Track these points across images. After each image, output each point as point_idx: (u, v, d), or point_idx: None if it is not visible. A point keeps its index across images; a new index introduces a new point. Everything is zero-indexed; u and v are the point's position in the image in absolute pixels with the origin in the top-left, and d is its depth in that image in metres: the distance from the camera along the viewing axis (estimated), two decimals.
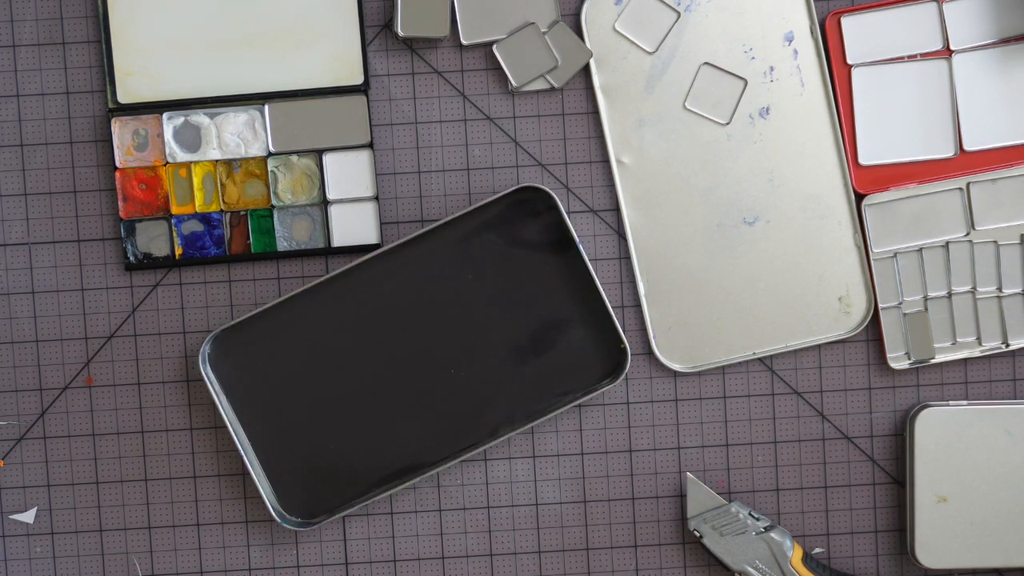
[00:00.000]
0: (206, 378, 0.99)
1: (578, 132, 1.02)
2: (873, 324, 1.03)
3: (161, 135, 1.00)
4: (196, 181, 1.01)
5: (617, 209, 1.03)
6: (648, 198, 1.02)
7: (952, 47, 1.01)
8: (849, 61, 1.01)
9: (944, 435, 1.01)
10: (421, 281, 1.00)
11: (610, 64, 1.01)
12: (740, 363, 1.03)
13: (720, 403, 1.03)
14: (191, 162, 1.01)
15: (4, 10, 1.01)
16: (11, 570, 1.03)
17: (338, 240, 1.01)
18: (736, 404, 1.03)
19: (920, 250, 1.02)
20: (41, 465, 1.03)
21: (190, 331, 1.02)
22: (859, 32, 1.01)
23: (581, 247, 0.99)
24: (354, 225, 1.01)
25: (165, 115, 1.00)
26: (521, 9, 1.01)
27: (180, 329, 1.02)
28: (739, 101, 1.01)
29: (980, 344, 1.03)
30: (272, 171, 1.01)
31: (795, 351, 1.03)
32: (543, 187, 0.99)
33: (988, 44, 1.01)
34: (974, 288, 1.02)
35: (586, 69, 1.02)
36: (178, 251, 1.01)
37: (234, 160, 1.01)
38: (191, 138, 1.01)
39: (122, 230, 1.01)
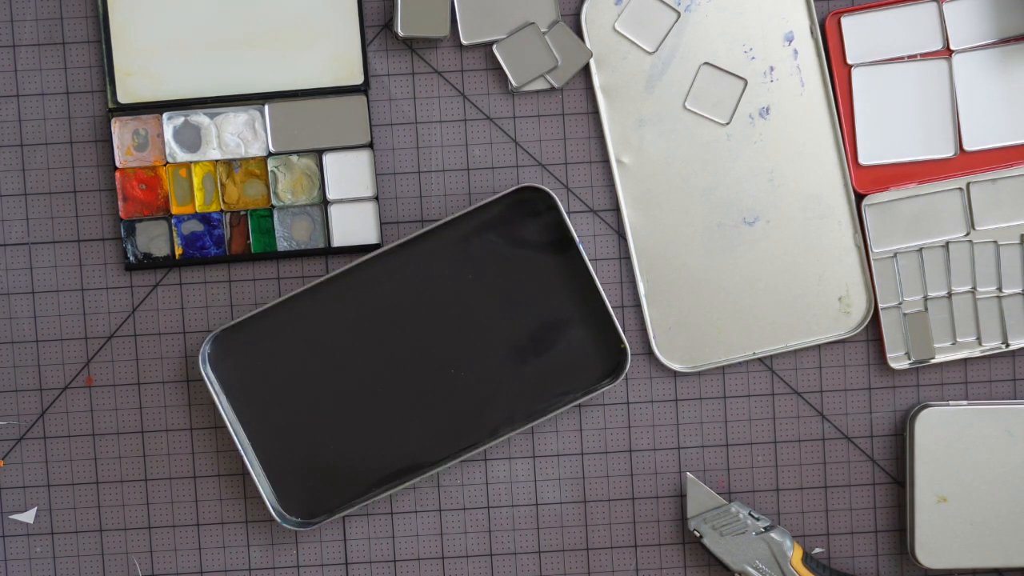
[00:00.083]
0: (206, 378, 0.99)
1: (578, 132, 1.02)
2: (873, 324, 1.03)
3: (161, 135, 1.00)
4: (196, 181, 1.01)
5: (617, 209, 1.03)
6: (648, 198, 1.02)
7: (952, 47, 1.01)
8: (849, 61, 1.01)
9: (944, 435, 1.01)
10: (421, 281, 1.00)
11: (610, 64, 1.01)
12: (740, 363, 1.03)
13: (720, 403, 1.03)
14: (191, 162, 1.01)
15: (4, 10, 1.01)
16: (11, 570, 1.03)
17: (338, 240, 1.01)
18: (736, 404, 1.03)
19: (920, 250, 1.02)
20: (41, 465, 1.03)
21: (190, 331, 1.02)
22: (859, 32, 1.01)
23: (581, 247, 0.99)
24: (354, 225, 1.01)
25: (165, 115, 1.00)
26: (521, 9, 1.01)
27: (180, 329, 1.02)
28: (739, 101, 1.01)
29: (980, 344, 1.03)
30: (272, 171, 1.01)
31: (795, 351, 1.03)
32: (543, 187, 0.99)
33: (988, 44, 1.01)
34: (974, 288, 1.02)
35: (586, 69, 1.02)
36: (178, 251, 1.01)
37: (234, 160, 1.01)
38: (191, 138, 1.01)
39: (122, 230, 1.01)
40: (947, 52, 1.01)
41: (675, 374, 1.03)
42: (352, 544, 1.04)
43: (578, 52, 1.01)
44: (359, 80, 1.01)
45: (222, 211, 1.01)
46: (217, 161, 1.01)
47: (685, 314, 1.02)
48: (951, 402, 1.02)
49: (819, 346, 1.03)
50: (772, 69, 1.01)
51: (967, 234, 1.02)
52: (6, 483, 1.03)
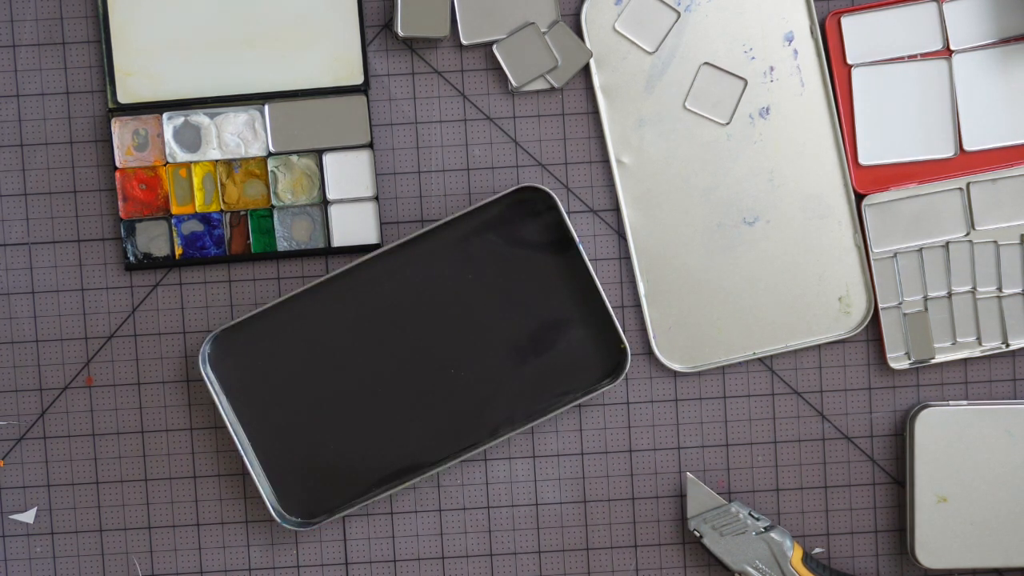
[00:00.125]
0: (206, 378, 0.99)
1: (578, 132, 1.02)
2: (873, 324, 1.03)
3: (161, 135, 1.00)
4: (196, 181, 1.01)
5: (617, 209, 1.03)
6: (648, 198, 1.02)
7: (952, 47, 1.01)
8: (849, 61, 1.01)
9: (944, 435, 1.01)
10: (421, 281, 1.00)
11: (610, 64, 1.01)
12: (740, 363, 1.03)
13: (720, 403, 1.03)
14: (191, 162, 1.01)
15: (4, 10, 1.01)
16: (11, 570, 1.03)
17: (338, 240, 1.01)
18: (736, 404, 1.03)
19: (920, 250, 1.02)
20: (41, 465, 1.03)
21: (190, 331, 1.02)
22: (859, 32, 1.01)
23: (581, 247, 0.99)
24: (354, 225, 1.01)
25: (165, 115, 1.00)
26: (521, 9, 1.01)
27: (180, 329, 1.02)
28: (739, 101, 1.01)
29: (980, 344, 1.03)
30: (272, 171, 1.01)
31: (795, 351, 1.03)
32: (543, 187, 0.99)
33: (988, 44, 1.01)
34: (974, 288, 1.02)
35: (586, 69, 1.02)
36: (178, 251, 1.01)
37: (234, 160, 1.01)
38: (191, 138, 1.01)
39: (122, 230, 1.01)
40: (947, 52, 1.01)
41: (675, 374, 1.03)
42: (352, 544, 1.04)
43: (578, 52, 1.01)
44: (359, 80, 1.01)
45: (222, 211, 1.01)
46: (217, 161, 1.01)
47: (685, 314, 1.02)
48: (951, 402, 1.02)
49: (819, 346, 1.03)
50: (772, 69, 1.01)
51: (967, 234, 1.02)
52: (6, 483, 1.03)
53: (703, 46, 1.01)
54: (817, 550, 1.04)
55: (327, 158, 1.01)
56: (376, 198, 1.01)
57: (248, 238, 1.01)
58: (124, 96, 1.00)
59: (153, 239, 1.01)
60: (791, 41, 1.01)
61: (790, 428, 1.04)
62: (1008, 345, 1.02)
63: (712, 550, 1.01)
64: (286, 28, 1.00)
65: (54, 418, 1.02)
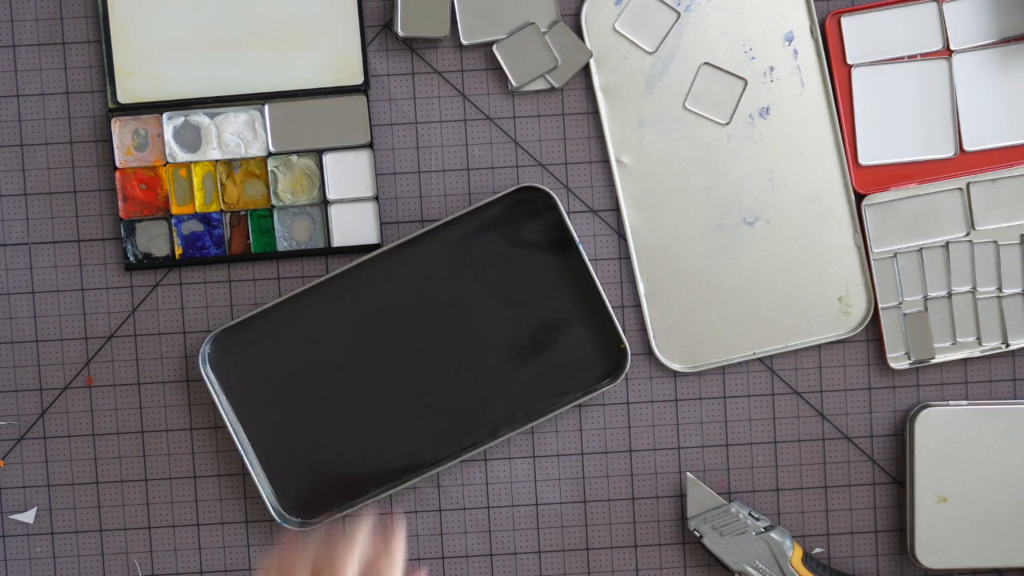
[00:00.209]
0: (206, 378, 0.99)
1: (578, 132, 1.02)
2: (873, 324, 1.03)
3: (161, 135, 1.00)
4: (196, 181, 1.01)
5: (617, 209, 1.03)
6: (648, 198, 1.02)
7: (952, 47, 1.01)
8: (849, 61, 1.01)
9: (944, 435, 1.01)
10: (421, 281, 1.00)
11: (610, 64, 1.01)
12: (740, 363, 1.03)
13: (720, 403, 1.03)
14: (191, 162, 1.01)
15: (4, 10, 1.01)
16: (11, 570, 1.03)
17: (338, 240, 1.01)
18: (736, 404, 1.03)
19: (920, 250, 1.02)
20: (41, 465, 1.03)
21: (190, 331, 1.02)
22: (859, 32, 1.01)
23: (581, 247, 0.99)
24: (354, 225, 1.01)
25: (165, 115, 1.00)
26: (521, 9, 1.01)
27: (180, 329, 1.02)
28: (739, 101, 1.01)
29: (980, 344, 1.03)
30: (272, 171, 1.01)
31: (795, 351, 1.03)
32: (543, 187, 0.99)
33: (988, 44, 1.01)
34: (974, 288, 1.02)
35: (586, 69, 1.02)
36: (178, 251, 1.01)
37: (234, 160, 1.01)
38: (191, 138, 1.01)
39: (122, 230, 1.01)
40: (947, 52, 1.01)
41: (675, 374, 1.03)
42: None
43: (578, 52, 1.01)
44: (359, 80, 1.01)
45: (222, 211, 1.01)
46: (217, 161, 1.01)
47: (685, 314, 1.02)
48: (951, 402, 1.02)
49: (819, 346, 1.03)
50: (772, 69, 1.01)
51: (967, 234, 1.02)
52: (6, 483, 1.03)
53: (703, 46, 1.01)
54: (817, 550, 1.04)
55: (327, 158, 1.01)
56: (376, 198, 1.01)
57: (248, 238, 1.01)
58: (124, 96, 1.00)
59: (153, 239, 1.01)
60: (791, 41, 1.01)
61: (790, 428, 1.04)
62: (1008, 345, 1.02)
63: (712, 550, 1.01)
64: (286, 28, 1.00)
65: (54, 418, 1.02)
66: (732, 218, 1.02)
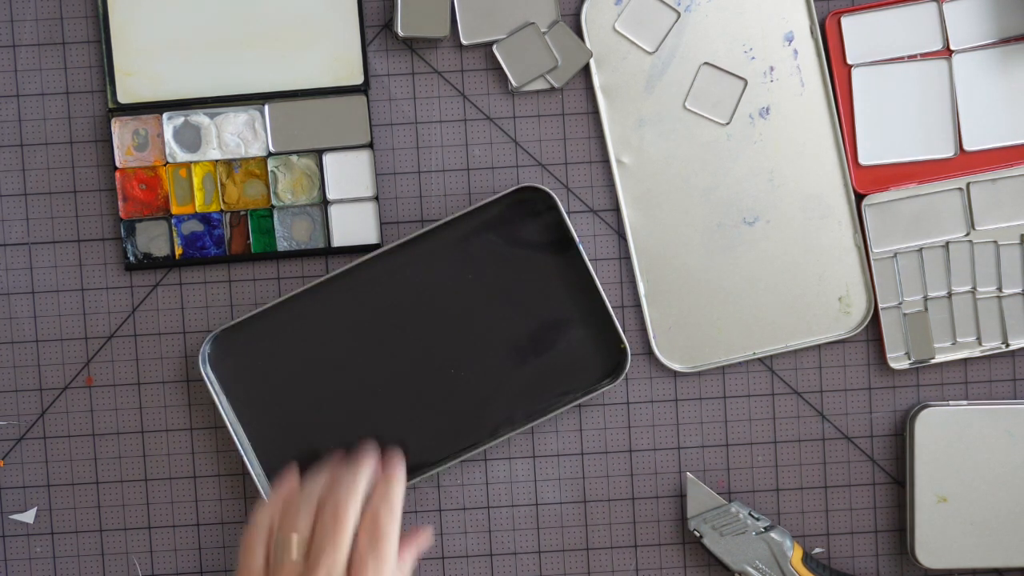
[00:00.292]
0: (206, 378, 0.99)
1: (578, 132, 1.02)
2: (873, 324, 1.03)
3: (161, 135, 1.00)
4: (196, 181, 1.01)
5: (617, 209, 1.03)
6: (648, 198, 1.02)
7: (952, 47, 1.01)
8: (849, 61, 1.01)
9: (944, 435, 1.01)
10: (421, 281, 1.00)
11: (610, 64, 1.01)
12: (740, 363, 1.03)
13: (720, 403, 1.03)
14: (191, 162, 1.01)
15: (4, 10, 1.01)
16: (11, 570, 1.03)
17: (338, 240, 1.01)
18: (736, 404, 1.03)
19: (920, 250, 1.02)
20: (41, 465, 1.03)
21: (190, 331, 1.02)
22: (859, 32, 1.01)
23: (581, 247, 0.99)
24: (354, 225, 1.01)
25: (165, 115, 1.00)
26: (521, 9, 1.01)
27: (180, 329, 1.02)
28: (739, 101, 1.01)
29: (980, 344, 1.03)
30: (272, 171, 1.01)
31: (795, 351, 1.03)
32: (543, 187, 0.99)
33: (988, 44, 1.01)
34: (974, 288, 1.02)
35: (586, 69, 1.02)
36: (178, 251, 1.01)
37: (234, 160, 1.01)
38: (191, 138, 1.01)
39: (122, 230, 1.01)
40: (947, 52, 1.01)
41: (675, 374, 1.03)
42: None
43: (578, 52, 1.01)
44: (359, 80, 1.01)
45: (222, 211, 1.01)
46: (217, 161, 1.01)
47: (685, 314, 1.02)
48: (951, 402, 1.02)
49: (819, 346, 1.03)
50: (772, 69, 1.01)
51: (967, 234, 1.02)
52: (6, 483, 1.03)
53: (703, 46, 1.01)
54: (817, 550, 1.04)
55: (327, 158, 1.01)
56: (376, 198, 1.01)
57: (248, 238, 1.01)
58: (124, 96, 1.00)
59: (153, 239, 1.01)
60: (791, 41, 1.01)
61: (790, 428, 1.04)
62: (1008, 345, 1.02)
63: (712, 550, 1.01)
64: (286, 28, 1.00)
65: (54, 418, 1.02)
66: (732, 218, 1.02)
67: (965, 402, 1.02)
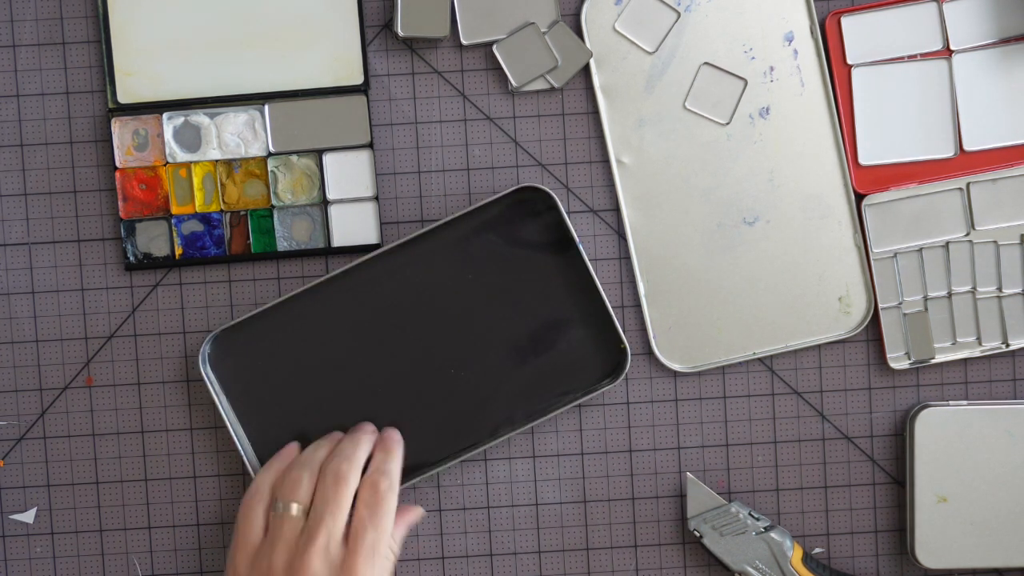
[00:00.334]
0: (206, 378, 0.99)
1: (578, 132, 1.02)
2: (873, 324, 1.03)
3: (161, 135, 1.00)
4: (196, 181, 1.01)
5: (617, 209, 1.03)
6: (648, 198, 1.02)
7: (952, 47, 1.01)
8: (849, 61, 1.01)
9: (944, 435, 1.01)
10: (421, 281, 1.00)
11: (610, 64, 1.01)
12: (740, 363, 1.03)
13: (720, 403, 1.03)
14: (191, 162, 1.01)
15: (4, 10, 1.01)
16: (11, 570, 1.03)
17: (338, 240, 1.01)
18: (736, 404, 1.03)
19: (920, 250, 1.02)
20: (41, 465, 1.03)
21: (190, 331, 1.02)
22: (859, 32, 1.01)
23: (581, 247, 0.99)
24: (354, 225, 1.01)
25: (165, 115, 1.00)
26: (521, 9, 1.01)
27: (180, 329, 1.02)
28: (739, 101, 1.01)
29: (980, 344, 1.03)
30: (272, 171, 1.01)
31: (795, 351, 1.03)
32: (543, 187, 0.99)
33: (988, 44, 1.01)
34: (974, 288, 1.02)
35: (586, 69, 1.02)
36: (178, 251, 1.01)
37: (234, 160, 1.01)
38: (191, 138, 1.01)
39: (122, 230, 1.01)
40: (947, 52, 1.01)
41: (675, 374, 1.03)
42: None
43: (578, 52, 1.01)
44: (359, 80, 1.01)
45: (222, 211, 1.01)
46: (217, 161, 1.01)
47: (685, 314, 1.02)
48: (951, 402, 1.02)
49: (819, 346, 1.03)
50: (772, 69, 1.01)
51: (967, 234, 1.02)
52: (6, 483, 1.03)
53: (703, 46, 1.01)
54: (817, 550, 1.04)
55: (327, 158, 1.01)
56: (376, 198, 1.01)
57: (248, 238, 1.01)
58: (124, 96, 1.00)
59: (153, 239, 1.01)
60: (791, 41, 1.01)
61: (790, 428, 1.04)
62: (1008, 345, 1.02)
63: (712, 550, 1.01)
64: (286, 28, 1.00)
65: (54, 418, 1.02)
66: (732, 218, 1.02)
67: (965, 402, 1.02)
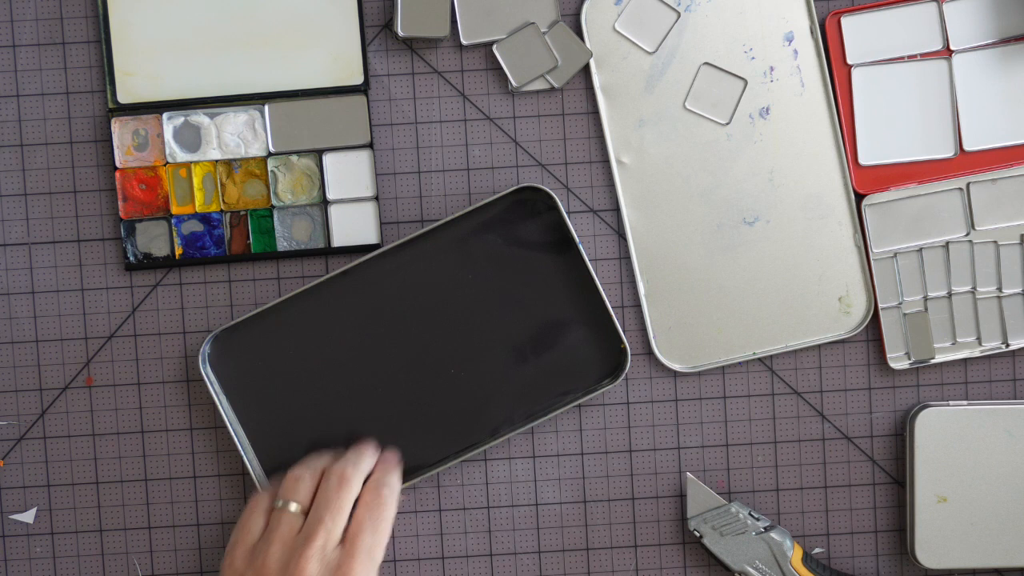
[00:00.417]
0: (206, 378, 0.99)
1: (578, 132, 1.02)
2: (873, 324, 1.03)
3: (161, 135, 1.00)
4: (196, 181, 1.01)
5: (617, 209, 1.03)
6: (648, 198, 1.02)
7: (952, 47, 1.01)
8: (849, 61, 1.01)
9: (944, 435, 1.01)
10: (421, 281, 1.00)
11: (610, 64, 1.01)
12: (740, 363, 1.03)
13: (720, 403, 1.03)
14: (191, 162, 1.01)
15: (4, 10, 1.01)
16: (11, 570, 1.03)
17: (338, 240, 1.01)
18: (736, 404, 1.03)
19: (920, 250, 1.02)
20: (41, 465, 1.03)
21: (190, 331, 1.02)
22: (859, 32, 1.01)
23: (581, 247, 0.99)
24: (354, 225, 1.01)
25: (165, 115, 1.00)
26: (521, 9, 1.01)
27: (180, 329, 1.02)
28: (739, 101, 1.01)
29: (980, 344, 1.03)
30: (272, 171, 1.01)
31: (795, 351, 1.03)
32: (543, 187, 0.99)
33: (988, 44, 1.01)
34: (974, 288, 1.02)
35: (586, 69, 1.02)
36: (178, 251, 1.01)
37: (234, 160, 1.01)
38: (191, 138, 1.01)
39: (122, 230, 1.01)
40: (947, 52, 1.01)
41: (675, 374, 1.03)
42: None
43: (578, 52, 1.01)
44: (359, 80, 1.01)
45: (222, 211, 1.01)
46: (217, 161, 1.01)
47: (685, 314, 1.02)
48: (951, 402, 1.02)
49: (819, 346, 1.03)
50: (772, 69, 1.01)
51: (967, 234, 1.02)
52: (6, 483, 1.03)
53: (703, 46, 1.01)
54: (817, 550, 1.04)
55: (327, 158, 1.01)
56: (376, 198, 1.01)
57: (248, 238, 1.01)
58: (124, 96, 1.00)
59: (153, 239, 1.01)
60: (791, 41, 1.01)
61: (790, 428, 1.04)
62: (1008, 345, 1.02)
63: (712, 550, 1.01)
64: (286, 28, 1.00)
65: (54, 418, 1.02)
66: (732, 218, 1.02)
67: (965, 402, 1.02)
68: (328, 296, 1.00)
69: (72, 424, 1.02)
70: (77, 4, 1.01)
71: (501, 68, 1.01)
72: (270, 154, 1.01)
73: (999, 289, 1.02)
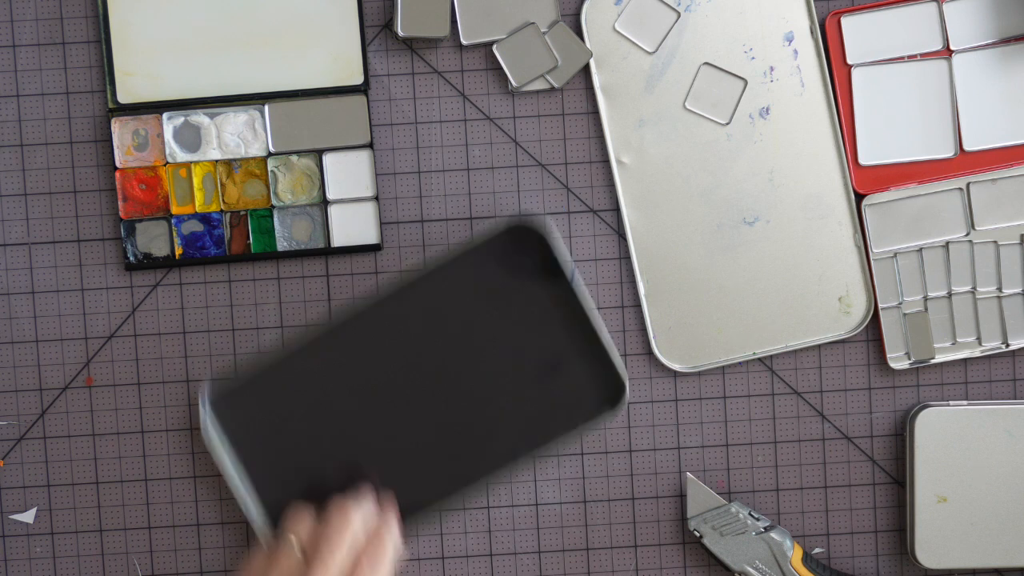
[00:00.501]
0: (207, 430, 0.96)
1: (578, 132, 1.02)
2: (873, 324, 1.03)
3: (161, 135, 1.00)
4: (196, 181, 1.01)
5: (617, 209, 1.03)
6: (648, 198, 1.02)
7: (952, 47, 1.01)
8: (849, 61, 1.01)
9: (944, 435, 1.01)
10: (420, 320, 0.97)
11: (610, 64, 1.01)
12: (740, 363, 1.03)
13: (720, 403, 1.03)
14: (191, 162, 1.01)
15: (4, 10, 1.01)
16: (11, 570, 1.03)
17: (338, 240, 1.01)
18: (736, 404, 1.03)
19: (920, 250, 1.02)
20: (41, 465, 1.03)
21: (190, 331, 1.02)
22: (859, 32, 1.01)
23: (574, 281, 0.96)
24: (354, 225, 1.01)
25: (165, 115, 1.00)
26: (521, 9, 1.01)
27: (180, 329, 1.02)
28: (739, 101, 1.01)
29: (980, 344, 1.03)
30: (272, 171, 1.01)
31: (795, 351, 1.03)
32: (535, 226, 0.96)
33: (988, 44, 1.02)
34: (974, 288, 1.02)
35: (586, 69, 1.02)
36: (178, 251, 1.01)
37: (234, 160, 1.01)
38: (191, 138, 1.01)
39: (122, 230, 1.01)
40: (947, 52, 1.01)
41: (675, 374, 1.03)
42: None
43: (578, 52, 1.01)
44: (359, 80, 1.01)
45: (222, 211, 1.01)
46: (217, 161, 1.01)
47: (685, 314, 1.02)
48: (951, 402, 1.02)
49: (819, 346, 1.03)
50: (772, 69, 1.01)
51: (967, 234, 1.02)
52: (6, 483, 1.03)
53: (703, 46, 1.01)
54: (817, 550, 1.04)
55: (327, 158, 1.01)
56: (376, 198, 1.01)
57: (248, 238, 1.01)
58: (124, 96, 1.00)
59: (153, 239, 1.01)
60: (791, 41, 1.01)
61: (790, 428, 1.04)
62: (1008, 345, 1.02)
63: (712, 550, 1.01)
64: (286, 28, 1.00)
65: (54, 418, 1.02)
66: (732, 218, 1.02)
67: (965, 402, 1.02)
68: (325, 344, 0.97)
69: (72, 424, 1.02)
70: (77, 4, 1.01)
71: (501, 68, 1.01)
72: (270, 154, 1.01)
73: (999, 289, 1.02)
